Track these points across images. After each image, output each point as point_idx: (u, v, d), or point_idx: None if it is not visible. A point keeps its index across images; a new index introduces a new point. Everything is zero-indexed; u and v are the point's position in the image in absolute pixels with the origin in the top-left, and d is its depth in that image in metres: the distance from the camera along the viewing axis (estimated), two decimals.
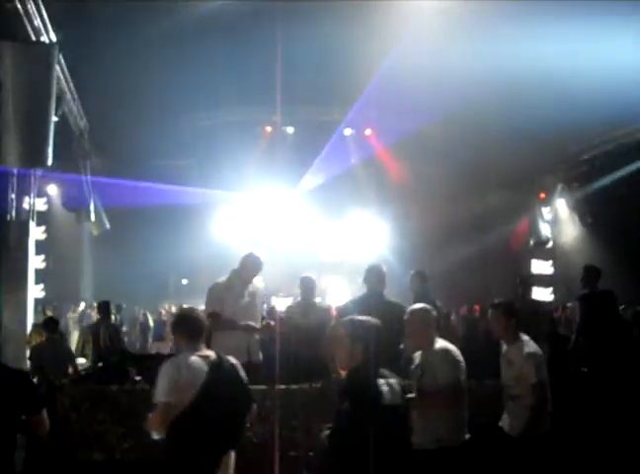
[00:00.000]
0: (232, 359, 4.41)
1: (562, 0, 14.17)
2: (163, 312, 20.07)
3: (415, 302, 5.83)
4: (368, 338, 4.06)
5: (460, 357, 4.98)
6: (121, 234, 21.09)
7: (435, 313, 5.14)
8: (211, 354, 4.28)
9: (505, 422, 5.58)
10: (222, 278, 7.05)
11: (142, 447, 5.64)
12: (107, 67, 17.53)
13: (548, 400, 5.40)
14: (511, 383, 5.44)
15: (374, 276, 6.63)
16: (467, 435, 4.92)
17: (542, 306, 9.34)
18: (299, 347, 7.10)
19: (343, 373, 6.24)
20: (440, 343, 5.01)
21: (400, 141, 20.76)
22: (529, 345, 5.42)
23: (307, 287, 7.98)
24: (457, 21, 15.12)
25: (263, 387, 5.95)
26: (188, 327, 4.36)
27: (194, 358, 4.17)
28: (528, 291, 8.87)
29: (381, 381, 3.93)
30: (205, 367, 4.13)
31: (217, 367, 4.17)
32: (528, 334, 8.21)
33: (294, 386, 6.15)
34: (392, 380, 4.01)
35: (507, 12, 14.71)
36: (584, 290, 8.35)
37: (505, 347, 5.59)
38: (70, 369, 8.48)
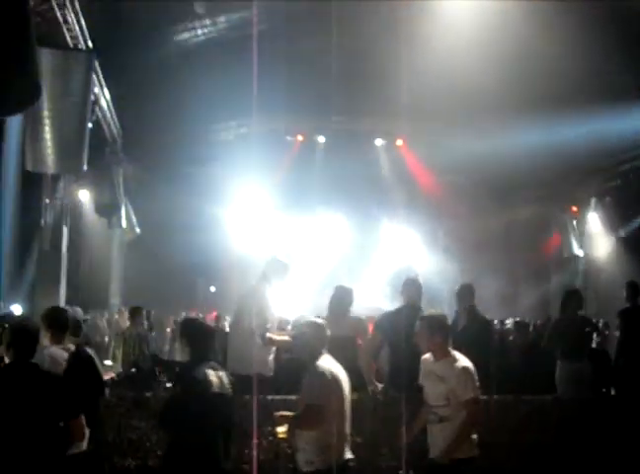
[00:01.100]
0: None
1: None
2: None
3: (468, 322, 5.80)
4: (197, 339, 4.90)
5: (333, 375, 4.76)
6: (152, 240, 21.23)
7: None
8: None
9: (434, 450, 5.01)
10: (264, 287, 6.89)
11: None
12: (141, 75, 17.72)
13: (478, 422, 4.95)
14: (440, 403, 4.95)
15: (411, 289, 6.56)
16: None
17: (589, 322, 9.05)
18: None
19: (379, 385, 6.25)
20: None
21: (431, 153, 20.71)
22: (462, 359, 4.96)
23: (340, 297, 7.85)
24: (492, 34, 15.06)
25: (293, 398, 5.90)
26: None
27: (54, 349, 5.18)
28: (573, 306, 8.55)
29: (211, 372, 4.73)
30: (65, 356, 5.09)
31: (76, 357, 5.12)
32: (573, 351, 8.11)
33: None
34: (221, 373, 4.85)
35: (545, 28, 14.67)
36: (630, 304, 8.14)
37: (431, 363, 5.13)
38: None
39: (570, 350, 8.15)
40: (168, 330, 16.58)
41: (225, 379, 4.82)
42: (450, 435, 4.76)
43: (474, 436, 4.87)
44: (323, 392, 4.61)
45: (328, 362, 4.81)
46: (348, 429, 4.87)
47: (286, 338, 7.10)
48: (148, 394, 6.30)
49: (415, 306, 6.32)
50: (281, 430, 4.65)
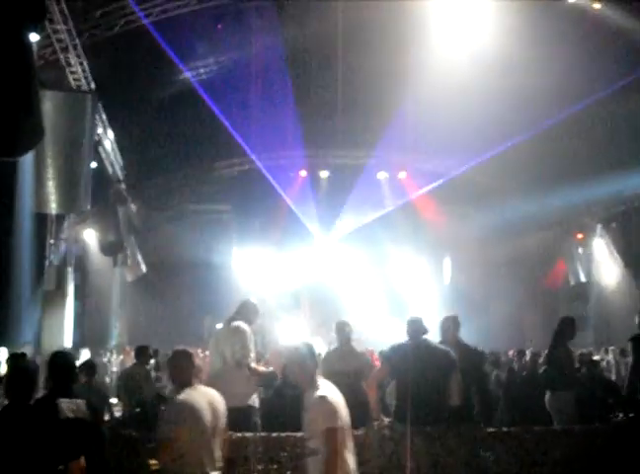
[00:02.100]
0: None
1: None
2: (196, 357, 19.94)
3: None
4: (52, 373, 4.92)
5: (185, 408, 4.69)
6: (157, 278, 21.24)
7: None
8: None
9: None
10: (243, 324, 7.05)
11: None
12: (144, 115, 17.92)
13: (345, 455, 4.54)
14: (307, 435, 4.69)
15: (413, 328, 6.60)
16: None
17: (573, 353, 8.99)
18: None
19: (386, 420, 6.17)
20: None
21: (435, 184, 20.79)
22: (324, 389, 4.64)
23: (343, 331, 7.89)
24: (493, 66, 15.26)
25: (298, 434, 5.83)
26: None
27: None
28: (565, 336, 8.45)
29: (65, 400, 4.69)
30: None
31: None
32: (563, 380, 8.06)
33: None
34: (79, 401, 4.80)
35: (538, 53, 14.85)
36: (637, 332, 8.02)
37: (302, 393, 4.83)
38: (107, 416, 8.40)
39: (560, 379, 8.09)
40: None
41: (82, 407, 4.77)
42: (321, 469, 4.45)
43: (351, 466, 4.63)
44: (333, 416, 4.50)
45: (328, 387, 4.72)
46: None
47: (271, 369, 7.29)
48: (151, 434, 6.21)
49: (416, 340, 6.27)
50: (153, 462, 4.61)
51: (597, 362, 11.76)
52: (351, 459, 4.55)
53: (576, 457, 5.95)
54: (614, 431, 6.35)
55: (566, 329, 8.38)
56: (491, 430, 6.12)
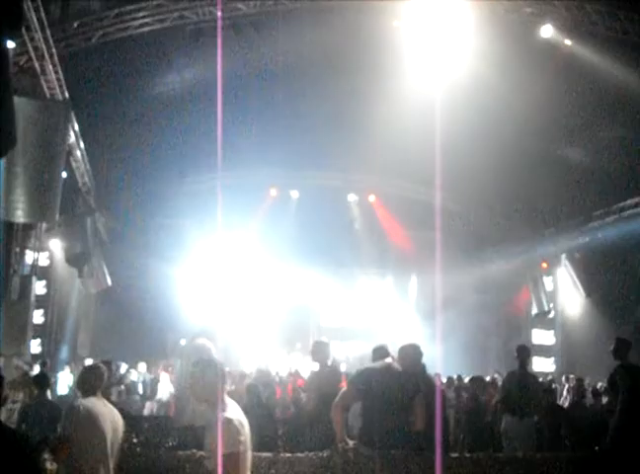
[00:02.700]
0: None
1: None
2: (159, 372, 19.70)
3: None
4: None
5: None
6: (122, 291, 21.00)
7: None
8: None
9: None
10: (207, 342, 7.13)
11: None
12: (114, 128, 17.84)
13: None
14: (206, 454, 4.60)
15: (378, 354, 6.67)
16: None
17: (535, 379, 9.15)
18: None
19: (350, 442, 6.18)
20: None
21: (402, 208, 20.96)
22: (231, 411, 4.49)
23: (323, 353, 7.77)
24: (465, 93, 15.47)
25: (269, 454, 5.83)
26: None
27: None
28: (527, 362, 8.63)
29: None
30: None
31: None
32: (527, 406, 8.19)
33: (300, 454, 6.02)
34: None
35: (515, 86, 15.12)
36: (620, 361, 8.06)
37: (204, 411, 4.73)
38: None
39: (514, 405, 8.22)
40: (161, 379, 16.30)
41: None
42: None
43: None
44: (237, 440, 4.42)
45: (235, 409, 4.62)
46: None
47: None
48: None
49: (387, 365, 6.32)
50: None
51: (552, 390, 11.99)
52: None
53: None
54: (579, 460, 6.42)
55: (517, 356, 8.60)
56: (454, 455, 6.17)
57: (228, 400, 4.53)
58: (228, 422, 4.34)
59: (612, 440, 7.68)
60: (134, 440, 8.49)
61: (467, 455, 6.22)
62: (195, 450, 5.88)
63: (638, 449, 6.91)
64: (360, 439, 6.08)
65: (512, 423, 8.19)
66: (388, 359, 6.41)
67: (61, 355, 19.39)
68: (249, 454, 4.47)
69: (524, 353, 8.66)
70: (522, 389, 8.35)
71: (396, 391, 5.97)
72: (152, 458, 5.94)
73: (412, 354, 6.61)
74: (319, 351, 7.76)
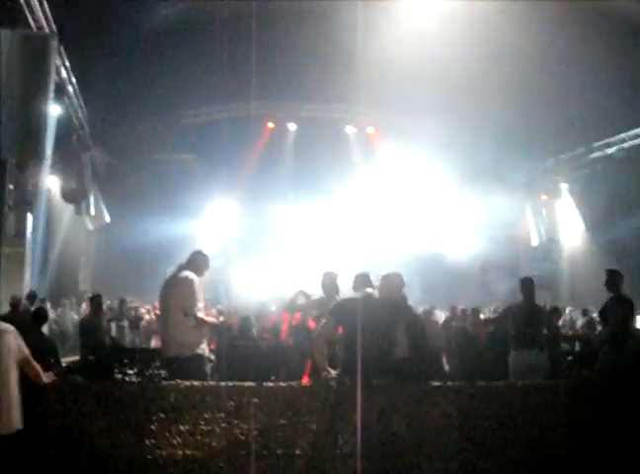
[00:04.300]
0: None
1: None
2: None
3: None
4: None
5: None
6: (121, 228, 21.04)
7: None
8: None
9: None
10: (192, 274, 7.06)
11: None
12: (110, 61, 17.50)
13: None
14: None
15: (360, 282, 6.68)
16: None
17: (542, 310, 9.13)
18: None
19: (333, 372, 6.23)
20: None
21: (402, 138, 20.68)
22: None
23: (333, 284, 7.74)
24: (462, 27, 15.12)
25: (252, 384, 5.87)
26: None
27: None
28: (533, 294, 8.62)
29: None
30: None
31: None
32: (526, 337, 8.20)
33: (282, 384, 6.08)
34: None
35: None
36: (613, 293, 8.05)
37: None
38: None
39: (519, 337, 8.25)
40: (143, 322, 16.38)
41: None
42: None
43: None
44: None
45: None
46: None
47: (221, 319, 7.38)
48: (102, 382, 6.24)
49: (369, 294, 6.34)
50: None
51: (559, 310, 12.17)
52: None
53: (518, 412, 6.07)
54: (561, 389, 6.44)
55: (521, 289, 8.57)
56: (436, 384, 6.20)
57: None
58: None
59: (601, 370, 7.78)
60: (129, 371, 8.72)
61: (449, 384, 6.25)
62: (179, 381, 5.93)
63: (625, 378, 6.96)
64: (343, 370, 6.13)
65: (521, 356, 8.22)
66: (369, 289, 6.43)
67: (62, 290, 19.55)
68: None
69: (530, 285, 8.65)
70: (532, 321, 8.36)
71: (377, 320, 6.00)
72: (141, 388, 5.97)
73: (394, 282, 6.60)
74: (329, 282, 7.76)
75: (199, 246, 8.58)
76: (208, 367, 7.00)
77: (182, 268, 7.18)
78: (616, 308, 7.86)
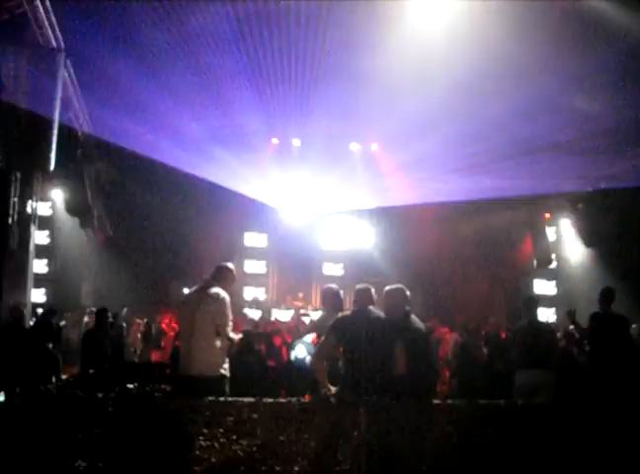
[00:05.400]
0: None
1: None
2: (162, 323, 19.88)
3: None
4: None
5: None
6: (125, 241, 21.07)
7: None
8: None
9: None
10: (222, 291, 6.92)
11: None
12: (114, 74, 17.58)
13: None
14: None
15: (360, 297, 6.63)
16: None
17: (546, 328, 9.13)
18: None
19: (333, 389, 6.23)
20: None
21: (406, 157, 20.71)
22: None
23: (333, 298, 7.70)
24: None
25: (251, 400, 5.88)
26: None
27: None
28: (536, 312, 8.66)
29: None
30: None
31: None
32: (535, 355, 8.17)
33: (282, 400, 6.09)
34: None
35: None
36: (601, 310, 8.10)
37: None
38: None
39: (524, 357, 8.23)
40: (138, 335, 16.35)
41: None
42: None
43: None
44: None
45: None
46: None
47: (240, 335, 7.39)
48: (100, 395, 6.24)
49: (369, 310, 6.35)
50: None
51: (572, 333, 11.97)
52: None
53: (520, 431, 6.06)
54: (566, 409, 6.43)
55: (524, 308, 8.59)
56: (437, 402, 6.21)
57: None
58: None
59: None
60: (129, 386, 8.71)
61: (449, 402, 6.27)
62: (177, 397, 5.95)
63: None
64: (343, 386, 6.15)
65: (527, 376, 8.20)
66: (370, 306, 6.44)
67: (64, 304, 19.55)
68: None
69: (533, 303, 8.67)
70: (540, 340, 8.35)
71: (375, 336, 6.02)
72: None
73: (396, 297, 6.58)
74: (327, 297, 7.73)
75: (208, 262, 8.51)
76: (227, 388, 6.88)
77: (208, 283, 7.03)
78: (595, 323, 8.03)
